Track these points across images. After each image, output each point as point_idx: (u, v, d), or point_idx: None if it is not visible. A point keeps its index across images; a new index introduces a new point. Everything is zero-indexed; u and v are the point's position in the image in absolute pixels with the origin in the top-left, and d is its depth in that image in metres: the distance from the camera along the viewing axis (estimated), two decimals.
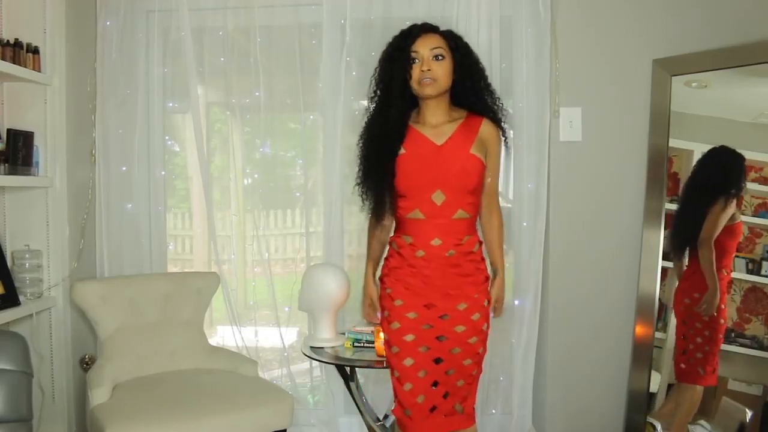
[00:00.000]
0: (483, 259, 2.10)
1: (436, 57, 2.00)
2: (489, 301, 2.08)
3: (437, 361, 2.01)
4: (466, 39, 2.60)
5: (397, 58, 2.01)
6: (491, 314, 2.10)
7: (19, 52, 2.39)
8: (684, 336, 2.55)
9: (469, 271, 2.03)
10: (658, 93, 2.59)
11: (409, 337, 2.01)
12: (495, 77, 2.65)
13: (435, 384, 2.01)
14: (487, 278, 2.09)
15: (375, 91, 2.07)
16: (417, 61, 2.00)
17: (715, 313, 2.46)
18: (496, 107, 2.09)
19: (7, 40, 2.36)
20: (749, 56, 2.37)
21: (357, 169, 2.10)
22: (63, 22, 2.57)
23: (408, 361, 2.01)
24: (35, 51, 2.47)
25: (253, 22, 2.73)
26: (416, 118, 2.08)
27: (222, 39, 2.78)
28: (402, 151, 2.01)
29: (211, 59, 2.83)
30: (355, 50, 2.66)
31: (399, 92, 2.00)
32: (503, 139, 2.10)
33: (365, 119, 2.11)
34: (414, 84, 2.00)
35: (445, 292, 2.01)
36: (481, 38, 2.63)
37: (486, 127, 2.06)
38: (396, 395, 2.04)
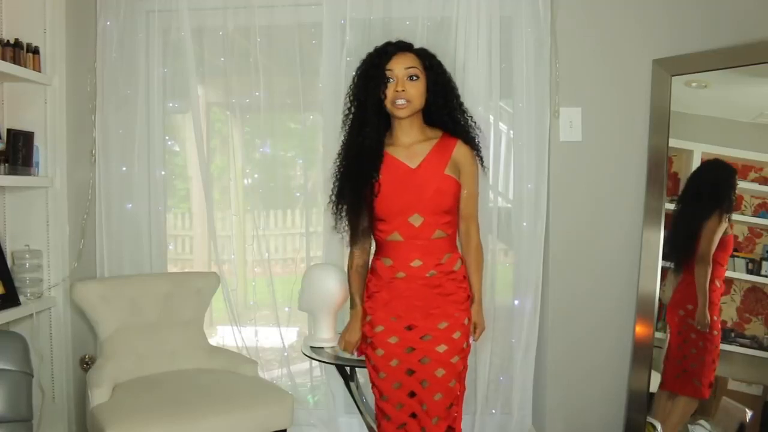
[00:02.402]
0: (465, 278, 2.08)
1: (410, 77, 1.99)
2: (470, 320, 2.07)
3: (423, 383, 2.01)
4: (466, 39, 2.64)
5: (372, 77, 2.00)
6: (471, 338, 2.09)
7: (19, 52, 2.39)
8: (678, 346, 2.56)
9: (450, 290, 2.03)
10: (658, 93, 2.59)
11: (394, 363, 2.02)
12: (495, 77, 2.66)
13: (424, 406, 2.01)
14: (469, 296, 2.08)
15: (349, 108, 2.06)
16: (391, 80, 1.98)
17: (709, 326, 2.48)
18: (468, 127, 2.08)
19: (7, 40, 2.36)
20: (749, 56, 2.37)
21: (332, 187, 2.08)
22: (63, 22, 2.57)
23: (396, 385, 2.03)
24: (35, 51, 2.47)
25: (253, 22, 2.73)
26: (389, 140, 2.06)
27: (222, 39, 2.78)
28: (377, 176, 2.00)
29: (211, 59, 2.84)
30: (355, 50, 2.65)
31: (374, 111, 2.00)
32: (479, 159, 2.09)
33: (341, 137, 2.09)
34: (388, 104, 1.99)
35: (427, 312, 2.01)
36: (481, 38, 2.63)
37: (460, 149, 2.04)
38: (385, 415, 2.05)
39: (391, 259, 2.03)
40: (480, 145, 2.10)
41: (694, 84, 2.56)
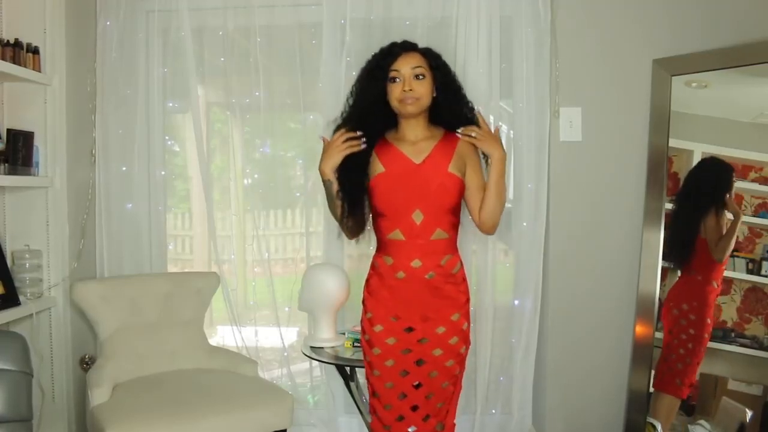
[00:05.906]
0: (464, 281, 2.09)
1: (417, 76, 1.99)
2: (468, 324, 2.08)
3: (417, 386, 2.02)
4: (466, 39, 2.64)
5: (377, 77, 2.01)
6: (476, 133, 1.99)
7: (19, 52, 2.39)
8: (668, 345, 2.56)
9: (449, 294, 2.02)
10: (658, 93, 2.59)
11: (389, 363, 2.02)
12: (495, 77, 2.66)
13: (414, 408, 2.02)
14: (468, 300, 2.08)
15: (349, 107, 2.07)
16: (398, 80, 1.99)
17: (701, 327, 2.50)
18: (473, 124, 2.07)
19: (7, 40, 2.36)
20: (749, 56, 2.37)
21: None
22: (63, 22, 2.56)
23: (389, 384, 2.03)
24: (35, 51, 2.47)
25: (253, 22, 2.73)
26: (395, 135, 2.07)
27: (222, 39, 2.78)
28: (381, 169, 2.01)
29: (211, 59, 2.83)
30: (355, 50, 2.66)
31: (376, 112, 2.01)
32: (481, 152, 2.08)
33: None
34: (395, 102, 2.00)
35: (425, 315, 2.01)
36: (481, 38, 2.63)
37: (463, 143, 2.05)
38: (375, 412, 2.06)
39: (391, 258, 2.03)
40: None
41: (694, 84, 2.56)
